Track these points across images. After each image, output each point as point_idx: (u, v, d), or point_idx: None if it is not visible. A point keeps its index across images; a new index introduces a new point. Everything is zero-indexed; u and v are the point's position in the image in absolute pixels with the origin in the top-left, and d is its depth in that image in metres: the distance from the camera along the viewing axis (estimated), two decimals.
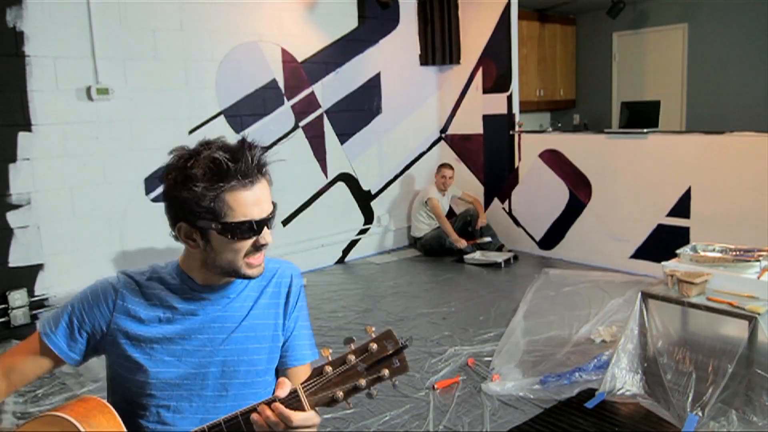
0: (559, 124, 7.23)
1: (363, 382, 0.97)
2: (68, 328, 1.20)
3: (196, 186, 1.10)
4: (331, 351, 1.00)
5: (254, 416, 1.04)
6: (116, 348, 1.20)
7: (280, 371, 1.31)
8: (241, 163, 1.12)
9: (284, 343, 1.30)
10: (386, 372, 0.97)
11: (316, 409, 1.04)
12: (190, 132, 4.43)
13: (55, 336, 1.19)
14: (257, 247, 1.18)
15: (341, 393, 0.97)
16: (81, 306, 1.21)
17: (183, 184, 1.11)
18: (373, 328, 1.00)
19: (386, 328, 1.00)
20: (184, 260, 1.25)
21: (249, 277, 1.21)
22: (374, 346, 0.97)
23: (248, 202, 1.14)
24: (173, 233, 1.19)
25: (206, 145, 1.15)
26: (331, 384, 0.97)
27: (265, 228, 1.18)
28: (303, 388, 1.01)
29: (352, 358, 0.97)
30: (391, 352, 0.96)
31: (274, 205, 1.21)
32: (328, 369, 0.97)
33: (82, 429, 1.03)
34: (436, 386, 2.94)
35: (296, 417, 1.01)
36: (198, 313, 1.22)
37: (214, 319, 1.23)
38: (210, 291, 1.24)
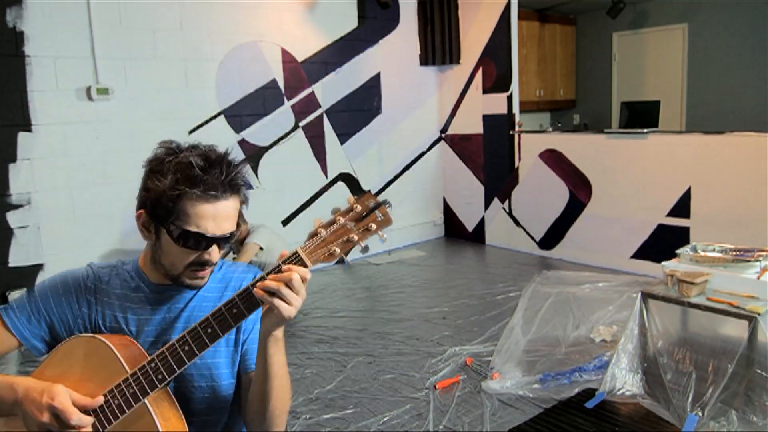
0: (559, 124, 7.23)
1: (354, 236, 1.05)
2: (31, 315, 1.20)
3: (162, 182, 1.11)
4: (321, 219, 1.09)
5: (258, 289, 1.04)
6: None
7: (242, 376, 1.26)
8: (211, 175, 1.11)
9: (243, 346, 1.26)
10: (373, 225, 1.05)
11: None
12: (190, 132, 4.43)
13: (18, 319, 1.20)
14: (201, 263, 1.16)
15: (337, 248, 1.05)
16: (47, 297, 1.22)
17: (155, 175, 1.13)
18: (354, 197, 1.08)
19: (365, 191, 1.09)
20: (143, 257, 1.26)
21: (187, 287, 1.20)
22: (358, 206, 1.05)
23: (205, 214, 1.12)
24: (136, 219, 1.21)
25: (193, 147, 1.16)
26: (326, 242, 1.05)
27: (215, 246, 1.15)
28: (302, 248, 1.06)
29: (340, 218, 1.06)
30: (373, 206, 1.05)
31: (239, 226, 1.20)
32: (321, 230, 1.05)
33: (117, 353, 1.10)
34: (436, 386, 2.95)
35: (300, 270, 1.04)
36: (154, 315, 1.22)
37: (172, 319, 1.22)
38: (167, 291, 1.23)
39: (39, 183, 3.80)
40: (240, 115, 4.70)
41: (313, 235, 1.06)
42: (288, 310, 1.03)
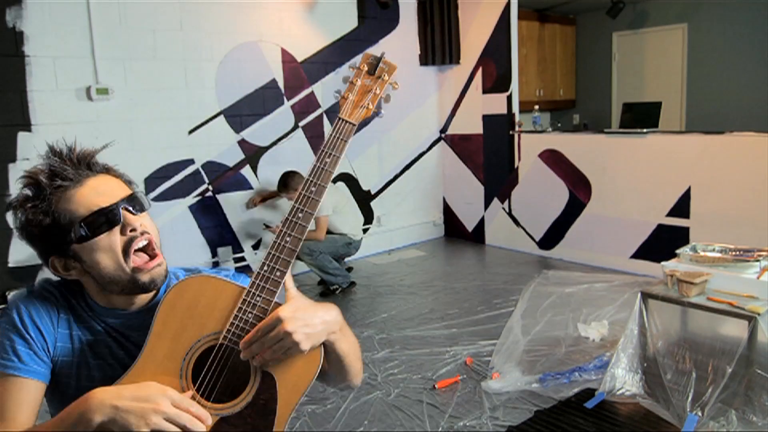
0: (559, 124, 7.23)
1: (377, 88, 1.18)
2: (28, 349, 1.05)
3: (32, 210, 1.03)
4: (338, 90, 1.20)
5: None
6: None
7: None
8: (58, 170, 1.05)
9: None
10: (384, 75, 1.19)
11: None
12: (190, 132, 4.43)
13: (26, 365, 1.04)
14: (130, 239, 1.06)
15: (370, 102, 1.17)
16: (25, 332, 1.06)
17: (23, 212, 1.05)
18: (356, 65, 1.21)
19: (364, 54, 1.21)
20: (96, 295, 1.12)
21: (146, 286, 1.09)
22: (363, 65, 1.19)
23: (85, 194, 1.04)
24: (53, 274, 1.09)
25: (30, 175, 1.08)
26: (357, 102, 1.17)
27: (126, 214, 1.06)
28: (342, 113, 1.15)
29: (357, 80, 1.18)
30: (373, 60, 1.19)
31: (132, 191, 1.11)
32: (348, 95, 1.17)
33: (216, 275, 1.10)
34: (436, 386, 2.95)
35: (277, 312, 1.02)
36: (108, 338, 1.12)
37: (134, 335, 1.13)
38: (144, 317, 1.11)
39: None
40: (240, 115, 4.70)
41: (343, 99, 1.17)
42: (296, 346, 1.01)
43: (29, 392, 1.03)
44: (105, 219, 1.04)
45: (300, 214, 1.10)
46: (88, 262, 1.06)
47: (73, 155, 1.08)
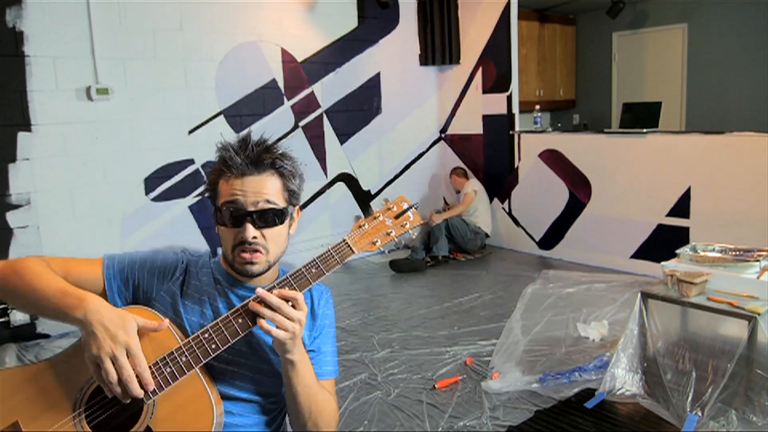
0: (559, 124, 7.23)
1: (393, 230, 1.23)
2: (126, 273, 1.25)
3: (211, 172, 1.25)
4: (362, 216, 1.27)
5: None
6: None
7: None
8: (240, 154, 1.19)
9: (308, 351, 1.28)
10: (407, 223, 1.24)
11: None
12: (190, 132, 4.43)
13: (113, 271, 1.25)
14: (241, 241, 1.19)
15: (378, 239, 1.22)
16: (144, 265, 1.27)
17: (209, 172, 1.27)
18: (389, 199, 1.27)
19: (399, 196, 1.28)
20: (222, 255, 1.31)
21: (243, 273, 1.23)
22: (393, 206, 1.24)
23: (234, 188, 1.19)
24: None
25: (223, 147, 1.23)
26: (369, 234, 1.22)
27: (248, 224, 1.18)
28: (349, 237, 1.21)
29: (380, 215, 1.24)
30: (406, 207, 1.24)
31: (279, 206, 1.22)
32: (364, 223, 1.23)
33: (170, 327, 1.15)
34: (435, 386, 2.95)
35: (289, 293, 1.13)
36: (228, 309, 1.23)
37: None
38: (240, 289, 1.27)
39: (39, 183, 3.80)
40: (240, 115, 4.70)
41: (359, 225, 1.23)
42: (277, 333, 1.09)
43: (94, 282, 1.23)
44: (230, 217, 1.20)
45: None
46: (219, 231, 1.25)
47: (250, 148, 1.21)
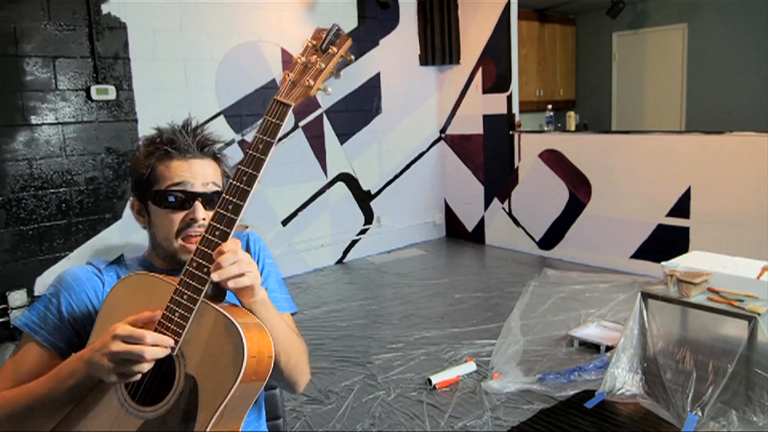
0: (559, 124, 7.22)
1: (321, 64, 1.07)
2: (56, 321, 1.15)
3: (138, 157, 1.19)
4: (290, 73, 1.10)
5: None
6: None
7: None
8: (179, 137, 1.17)
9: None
10: (334, 48, 1.08)
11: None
12: None
13: (49, 331, 1.14)
14: (189, 224, 1.16)
15: (311, 80, 1.07)
16: (66, 294, 1.17)
17: (135, 156, 1.22)
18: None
19: (314, 29, 1.10)
20: (148, 249, 1.26)
21: (182, 263, 1.12)
22: (312, 41, 1.08)
23: (180, 169, 1.17)
24: (130, 209, 1.26)
25: (158, 130, 1.21)
26: (298, 82, 1.07)
27: (199, 204, 1.16)
28: (277, 95, 1.06)
29: (300, 58, 1.08)
30: (326, 36, 1.07)
31: (222, 189, 1.19)
32: (288, 74, 1.08)
33: (158, 275, 1.10)
34: (436, 386, 2.94)
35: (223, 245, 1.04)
36: None
37: None
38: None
39: (39, 183, 3.80)
40: (240, 115, 4.70)
41: (283, 79, 1.09)
42: (243, 280, 1.03)
43: (40, 356, 1.16)
44: (177, 199, 1.16)
45: (229, 206, 1.04)
46: (152, 221, 1.20)
47: (194, 132, 1.20)
